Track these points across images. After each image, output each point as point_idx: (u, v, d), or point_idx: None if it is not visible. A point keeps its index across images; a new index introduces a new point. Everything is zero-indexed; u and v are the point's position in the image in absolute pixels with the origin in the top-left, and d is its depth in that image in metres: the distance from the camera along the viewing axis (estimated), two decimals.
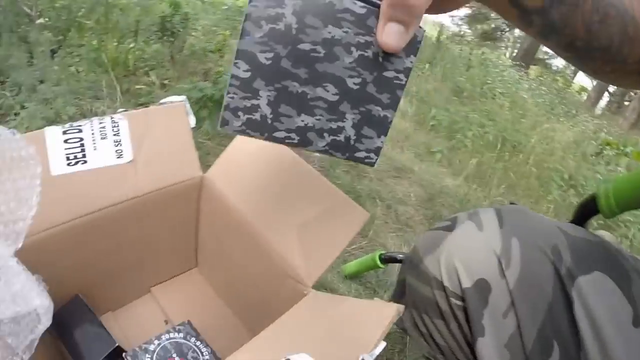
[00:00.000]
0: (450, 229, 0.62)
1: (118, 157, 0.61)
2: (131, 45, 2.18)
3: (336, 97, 0.35)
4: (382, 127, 0.38)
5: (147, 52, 2.21)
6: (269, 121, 0.36)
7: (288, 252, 0.61)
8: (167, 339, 0.64)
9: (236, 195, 0.67)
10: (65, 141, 0.58)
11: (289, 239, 0.62)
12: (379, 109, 0.37)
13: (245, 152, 0.69)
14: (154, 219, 0.69)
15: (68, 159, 0.57)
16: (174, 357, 0.61)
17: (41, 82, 1.76)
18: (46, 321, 0.46)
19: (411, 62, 0.35)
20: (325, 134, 0.37)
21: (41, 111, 1.61)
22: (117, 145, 0.61)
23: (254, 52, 0.33)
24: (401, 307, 0.48)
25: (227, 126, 0.36)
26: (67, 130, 0.58)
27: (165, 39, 2.28)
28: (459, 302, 0.58)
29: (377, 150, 0.39)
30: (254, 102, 0.35)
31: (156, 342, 0.63)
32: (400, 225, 1.61)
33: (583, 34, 0.39)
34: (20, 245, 0.45)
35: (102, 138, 0.60)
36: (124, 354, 0.59)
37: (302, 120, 0.36)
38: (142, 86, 1.91)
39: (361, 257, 1.20)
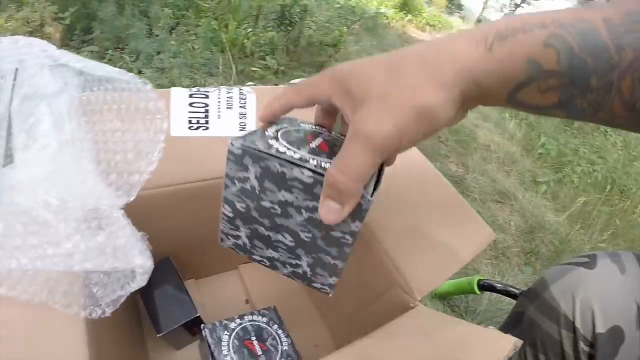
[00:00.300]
0: (589, 266, 0.57)
1: (241, 130, 0.58)
2: (250, 30, 2.22)
3: (293, 244, 0.41)
4: (334, 271, 0.42)
5: (264, 38, 2.24)
6: (249, 247, 0.45)
7: (401, 258, 0.56)
8: (250, 321, 0.60)
9: None
10: (191, 105, 0.57)
11: (404, 245, 0.56)
12: (329, 258, 0.41)
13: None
14: None
15: (190, 122, 0.56)
16: (253, 341, 0.57)
17: (158, 53, 1.83)
18: (141, 282, 0.44)
19: (357, 226, 0.36)
20: (288, 266, 0.44)
21: (157, 79, 1.67)
22: (241, 118, 0.58)
23: (234, 201, 0.41)
24: (519, 342, 0.43)
25: (222, 243, 0.47)
26: (194, 95, 0.57)
27: (282, 27, 2.30)
28: (586, 348, 0.54)
29: (331, 286, 0.44)
30: (237, 233, 0.44)
31: (238, 321, 0.60)
32: (497, 253, 1.52)
33: (624, 114, 0.31)
34: (132, 199, 0.43)
35: (228, 108, 0.58)
36: (202, 326, 0.57)
37: (270, 253, 0.44)
38: (257, 69, 1.93)
39: (454, 278, 1.12)
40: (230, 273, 0.79)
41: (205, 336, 0.55)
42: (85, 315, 0.40)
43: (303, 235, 0.40)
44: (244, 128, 0.58)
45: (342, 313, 0.70)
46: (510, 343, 0.43)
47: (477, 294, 1.06)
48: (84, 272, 0.42)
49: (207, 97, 0.57)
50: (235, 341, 0.55)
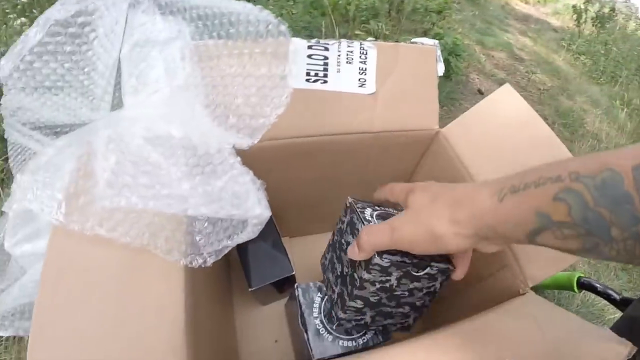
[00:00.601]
0: None
1: (360, 86, 0.54)
2: None
3: (408, 309, 0.50)
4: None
5: (366, 2, 2.17)
6: (368, 323, 0.50)
7: None
8: None
9: (471, 158, 0.57)
10: (309, 56, 0.53)
11: None
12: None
13: (491, 116, 0.59)
14: (373, 160, 0.62)
15: (308, 74, 0.52)
16: None
17: None
18: (252, 233, 0.42)
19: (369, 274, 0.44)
20: (398, 324, 0.52)
21: None
22: (361, 74, 0.54)
23: (368, 297, 0.46)
24: (634, 349, 0.41)
25: (341, 327, 0.52)
26: (313, 46, 0.53)
27: None
28: None
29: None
30: (362, 317, 0.49)
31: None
32: None
33: None
34: (255, 141, 0.40)
35: (347, 62, 0.53)
36: (296, 285, 0.54)
37: (386, 321, 0.51)
38: (360, 33, 1.88)
39: None
40: (325, 235, 0.76)
41: (298, 295, 0.53)
42: (186, 263, 0.38)
43: (418, 303, 0.49)
44: (363, 84, 0.53)
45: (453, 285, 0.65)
46: (626, 348, 0.41)
47: (574, 291, 0.97)
48: (188, 218, 0.40)
49: (326, 49, 0.53)
50: (327, 304, 0.53)
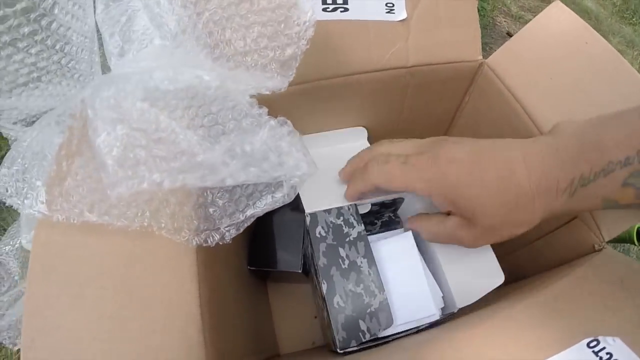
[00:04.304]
0: None
1: (388, 12, 0.45)
2: None
3: None
4: None
5: None
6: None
7: None
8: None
9: (524, 90, 0.48)
10: None
11: None
12: None
13: (542, 39, 0.50)
14: (409, 102, 0.54)
15: (325, 3, 0.43)
16: None
17: None
18: (288, 197, 0.34)
19: None
20: None
21: None
22: None
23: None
24: None
25: None
26: None
27: None
28: None
29: None
30: None
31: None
32: None
33: None
34: (291, 78, 0.33)
35: None
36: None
37: None
38: None
39: None
40: None
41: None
42: (199, 242, 0.31)
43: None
44: (392, 9, 0.44)
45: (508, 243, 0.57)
46: None
47: (634, 243, 0.90)
48: (198, 188, 0.32)
49: None
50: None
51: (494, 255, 0.44)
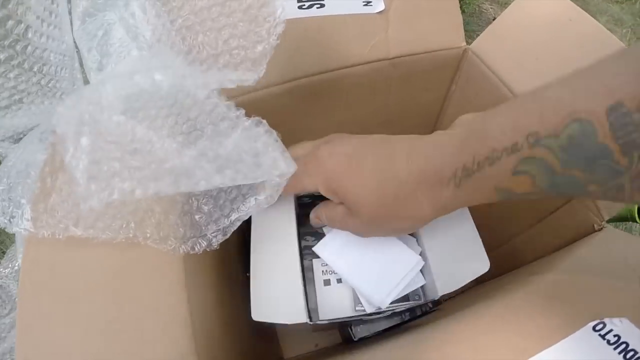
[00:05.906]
0: None
1: (365, 5, 0.45)
2: None
3: None
4: None
5: None
6: None
7: None
8: None
9: (511, 72, 0.48)
10: None
11: None
12: None
13: (526, 19, 0.50)
14: (394, 94, 0.53)
15: (300, 0, 0.43)
16: None
17: None
18: (271, 199, 0.34)
19: None
20: None
21: None
22: None
23: None
24: None
25: None
26: None
27: None
28: None
29: None
30: None
31: None
32: None
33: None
34: (261, 74, 0.33)
35: None
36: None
37: None
38: None
39: None
40: None
41: None
42: (186, 249, 0.30)
43: None
44: (369, 2, 0.44)
45: (493, 219, 0.56)
46: None
47: (636, 221, 0.86)
48: (182, 195, 0.32)
49: None
50: None
51: (481, 243, 0.42)
